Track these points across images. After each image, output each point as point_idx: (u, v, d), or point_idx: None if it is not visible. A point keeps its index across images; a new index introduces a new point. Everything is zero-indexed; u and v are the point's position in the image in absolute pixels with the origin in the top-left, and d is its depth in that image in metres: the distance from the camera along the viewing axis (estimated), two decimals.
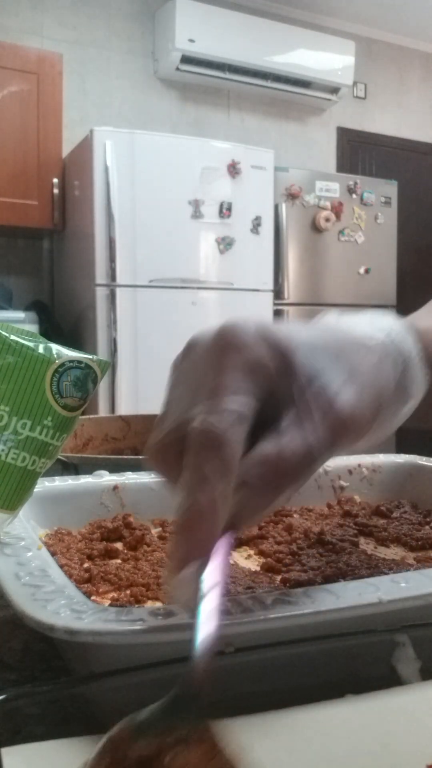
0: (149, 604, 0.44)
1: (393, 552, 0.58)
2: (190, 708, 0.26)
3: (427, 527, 0.62)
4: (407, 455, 0.75)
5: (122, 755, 0.24)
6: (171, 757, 0.24)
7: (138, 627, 0.32)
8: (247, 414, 0.32)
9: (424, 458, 0.73)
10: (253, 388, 0.32)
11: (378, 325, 0.39)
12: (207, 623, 0.28)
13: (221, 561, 0.31)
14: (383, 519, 0.66)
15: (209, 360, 0.34)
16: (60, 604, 0.34)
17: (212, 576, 0.30)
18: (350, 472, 0.71)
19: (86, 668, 0.37)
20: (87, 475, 0.63)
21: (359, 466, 0.72)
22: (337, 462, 0.71)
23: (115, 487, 0.61)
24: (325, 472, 0.70)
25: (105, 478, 0.62)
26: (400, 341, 0.38)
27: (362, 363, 0.36)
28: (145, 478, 0.63)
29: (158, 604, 0.44)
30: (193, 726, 0.25)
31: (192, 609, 0.29)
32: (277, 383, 0.33)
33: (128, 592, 0.45)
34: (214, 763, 0.24)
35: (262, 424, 0.33)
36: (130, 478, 0.63)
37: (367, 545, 0.59)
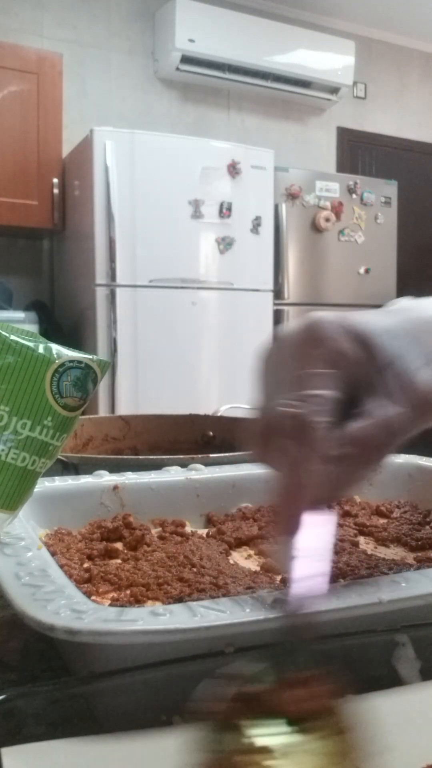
0: (149, 604, 0.44)
1: (393, 552, 0.58)
2: (297, 656, 0.30)
3: (427, 527, 0.62)
4: (407, 455, 0.74)
5: (235, 692, 0.27)
6: (280, 694, 0.27)
7: (138, 627, 0.32)
8: (331, 400, 0.35)
9: (424, 458, 0.73)
10: (335, 376, 0.36)
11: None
12: (302, 583, 0.32)
13: (320, 530, 0.34)
14: (383, 519, 0.66)
15: (295, 352, 0.37)
16: (60, 604, 0.34)
17: (306, 544, 0.34)
18: None
19: (86, 668, 0.37)
20: (87, 475, 0.63)
21: None
22: None
23: (115, 487, 0.61)
24: None
25: (105, 478, 0.62)
26: None
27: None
28: (145, 478, 0.63)
29: (158, 605, 0.44)
30: (300, 671, 0.28)
31: (287, 571, 0.34)
32: (359, 370, 0.36)
33: (128, 592, 0.45)
34: (320, 703, 0.27)
35: (349, 407, 0.36)
36: (130, 478, 0.63)
37: (367, 545, 0.59)
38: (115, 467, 0.66)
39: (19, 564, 0.40)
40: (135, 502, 0.61)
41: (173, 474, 0.65)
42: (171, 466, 0.67)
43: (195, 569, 0.49)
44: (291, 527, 0.34)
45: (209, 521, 0.64)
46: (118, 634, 0.32)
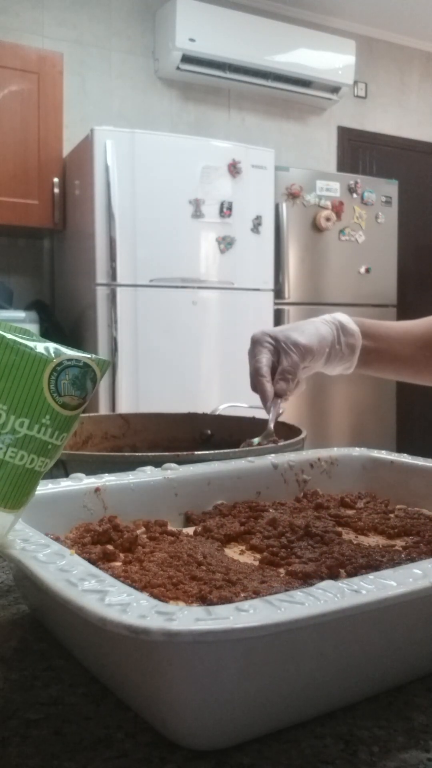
0: (172, 603, 0.43)
1: (374, 540, 0.60)
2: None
3: (392, 515, 0.66)
4: (360, 449, 0.79)
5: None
6: None
7: (232, 625, 0.32)
8: (269, 360, 0.84)
9: (375, 451, 0.78)
10: (268, 353, 0.84)
11: (322, 316, 0.91)
12: (273, 416, 0.82)
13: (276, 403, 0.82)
14: (350, 510, 0.69)
15: (254, 345, 0.86)
16: (143, 607, 0.33)
17: (275, 405, 0.82)
18: (311, 465, 0.75)
19: (149, 670, 0.36)
20: (65, 479, 0.62)
21: (319, 459, 0.76)
22: (300, 457, 0.76)
23: (97, 490, 0.61)
24: (290, 467, 0.74)
25: (84, 481, 0.61)
26: (337, 317, 0.91)
27: (306, 327, 0.87)
28: (124, 479, 0.63)
29: (181, 604, 0.43)
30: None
31: (268, 411, 0.81)
32: (274, 347, 0.85)
33: (146, 594, 0.45)
34: None
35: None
36: (109, 480, 0.62)
37: (347, 535, 0.61)
38: (101, 464, 0.66)
39: (63, 571, 0.38)
40: (117, 503, 0.61)
41: (151, 474, 0.65)
42: (169, 462, 0.68)
43: (204, 567, 0.49)
44: (267, 396, 0.81)
45: (188, 520, 0.64)
46: (219, 632, 0.31)
